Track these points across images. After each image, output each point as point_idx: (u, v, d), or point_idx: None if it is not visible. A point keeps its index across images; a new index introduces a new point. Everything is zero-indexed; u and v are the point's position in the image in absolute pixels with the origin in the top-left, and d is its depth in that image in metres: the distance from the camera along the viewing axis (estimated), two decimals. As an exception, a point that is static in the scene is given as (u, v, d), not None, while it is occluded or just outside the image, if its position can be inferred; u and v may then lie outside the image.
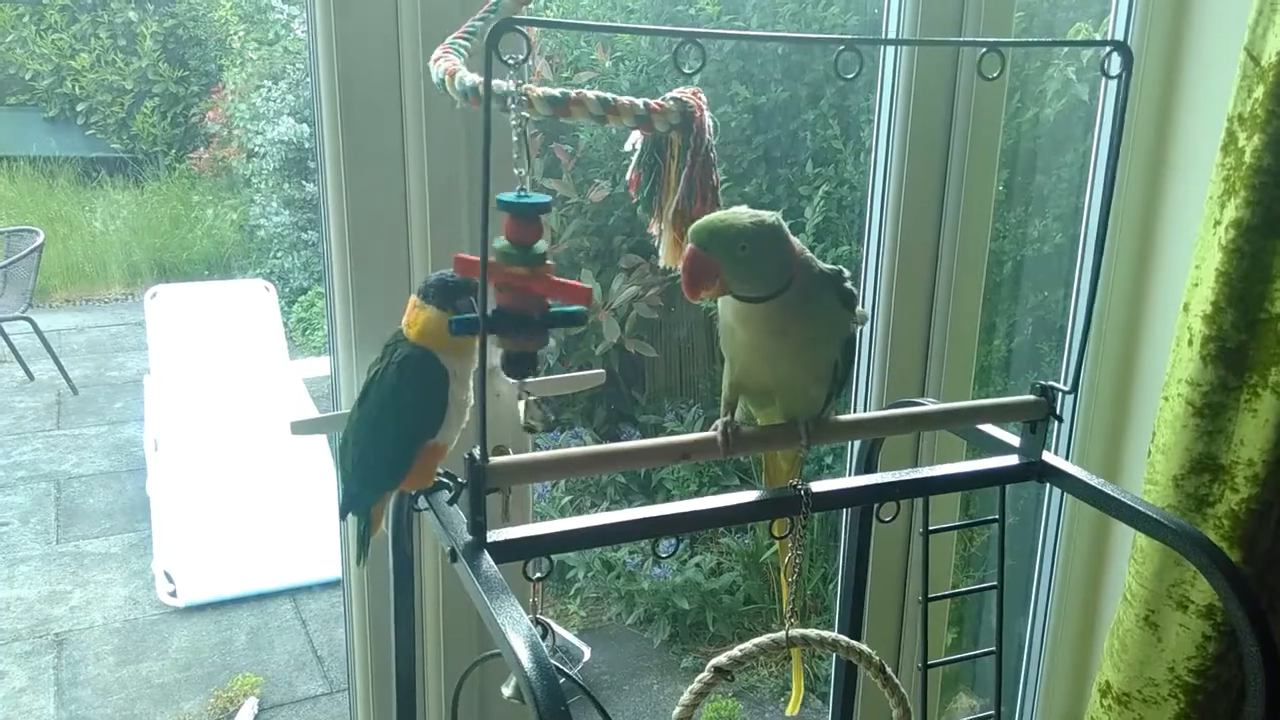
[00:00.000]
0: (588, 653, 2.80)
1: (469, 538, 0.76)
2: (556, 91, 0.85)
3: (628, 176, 1.02)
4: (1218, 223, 1.40)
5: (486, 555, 0.74)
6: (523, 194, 0.78)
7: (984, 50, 0.78)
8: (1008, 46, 0.79)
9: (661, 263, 0.97)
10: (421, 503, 0.86)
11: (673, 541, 0.86)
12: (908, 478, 0.89)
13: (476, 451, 0.74)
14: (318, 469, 4.08)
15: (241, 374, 4.57)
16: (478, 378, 0.76)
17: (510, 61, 0.70)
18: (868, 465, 1.03)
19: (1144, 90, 1.60)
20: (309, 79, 1.15)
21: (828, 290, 0.88)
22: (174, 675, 3.16)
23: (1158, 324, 1.67)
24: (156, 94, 7.57)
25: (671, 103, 0.91)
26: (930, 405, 0.92)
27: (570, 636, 2.74)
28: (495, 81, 0.82)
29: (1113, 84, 1.62)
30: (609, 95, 0.87)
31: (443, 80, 0.87)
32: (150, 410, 4.44)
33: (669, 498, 3.33)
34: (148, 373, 4.73)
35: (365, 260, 1.19)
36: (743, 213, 0.84)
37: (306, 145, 5.48)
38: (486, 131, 0.64)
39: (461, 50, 0.91)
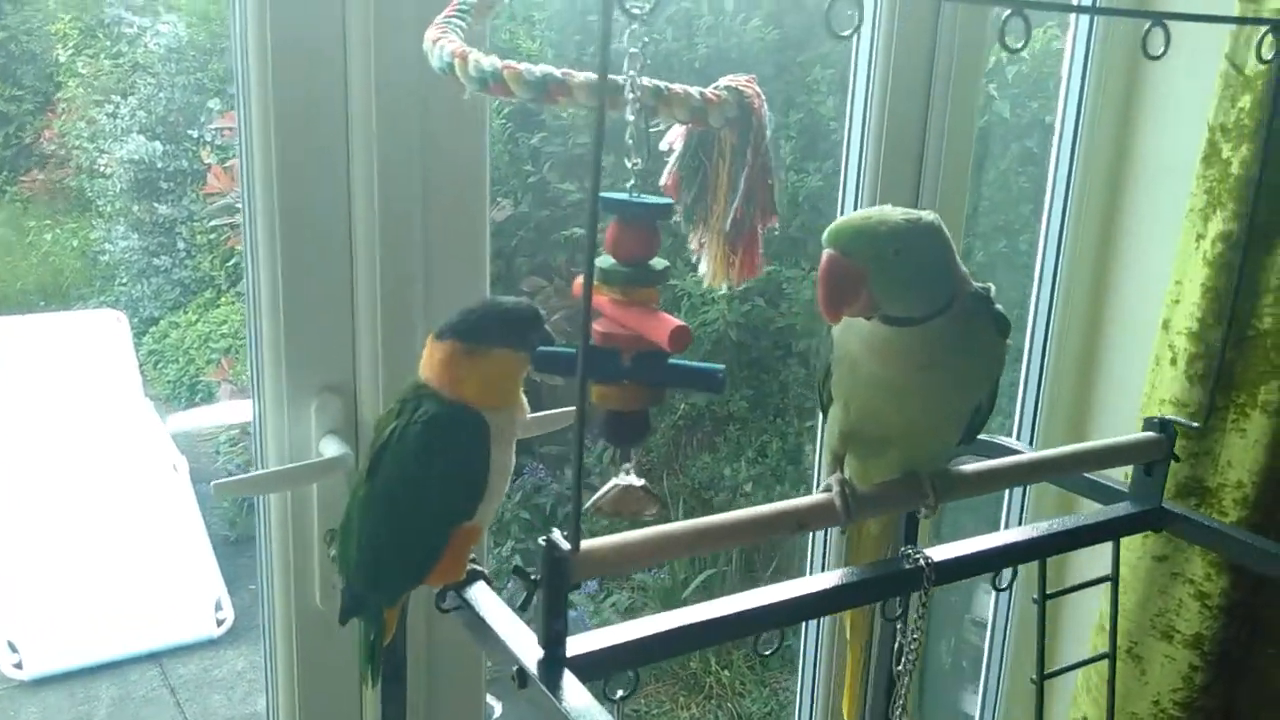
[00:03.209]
0: (499, 708, 2.59)
1: (541, 652, 0.59)
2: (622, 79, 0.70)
3: (663, 180, 0.88)
4: (1201, 236, 1.34)
5: (569, 675, 0.57)
6: (636, 194, 0.63)
7: (1149, 25, 0.68)
8: (1175, 20, 0.69)
9: (706, 281, 0.82)
10: (450, 599, 0.68)
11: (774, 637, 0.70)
12: (1027, 538, 0.77)
13: (556, 535, 0.57)
14: (180, 518, 3.73)
15: (92, 415, 4.17)
16: (573, 432, 0.59)
17: (636, 11, 0.55)
18: (908, 520, 0.89)
19: (1105, 101, 1.55)
20: (235, 77, 0.96)
21: (983, 313, 0.75)
22: (23, 758, 2.81)
23: (1119, 342, 1.62)
24: (-16, 112, 6.96)
25: (727, 92, 0.76)
26: (1034, 452, 0.80)
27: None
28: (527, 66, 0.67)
29: (1072, 96, 1.57)
30: (662, 83, 0.73)
31: (450, 64, 0.71)
32: (-16, 458, 3.99)
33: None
34: (-20, 416, 4.26)
35: (301, 291, 1.01)
36: (891, 210, 0.71)
37: (159, 165, 5.10)
38: (600, 121, 0.49)
39: (459, 29, 0.74)
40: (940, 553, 0.75)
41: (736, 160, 0.79)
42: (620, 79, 0.69)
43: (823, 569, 1.48)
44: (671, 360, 0.70)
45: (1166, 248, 1.42)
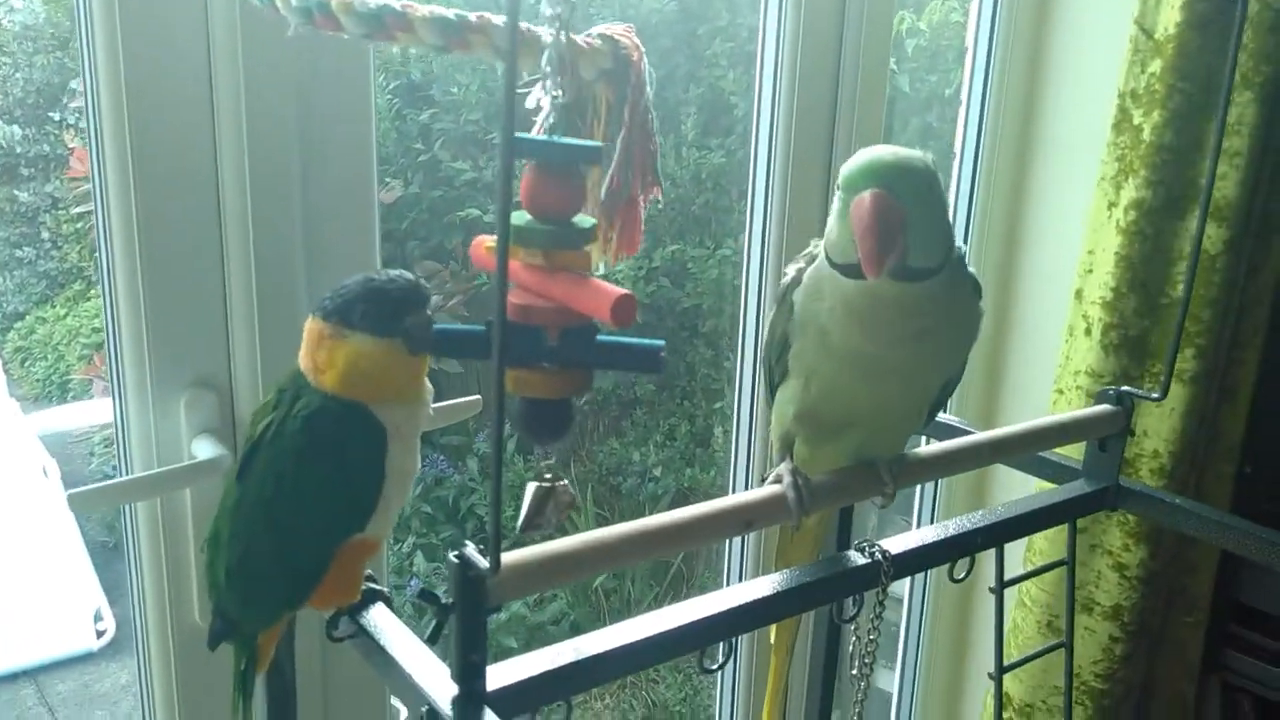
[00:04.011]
0: (404, 712, 2.48)
1: (456, 688, 0.50)
2: (450, 13, 0.61)
3: None
4: (1113, 204, 1.33)
5: (491, 716, 0.49)
6: (553, 136, 0.54)
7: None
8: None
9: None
10: (344, 625, 0.58)
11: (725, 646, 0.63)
12: (986, 524, 0.72)
13: (470, 551, 0.48)
14: (53, 525, 3.49)
15: (-51, 418, 3.88)
16: (490, 427, 0.49)
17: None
18: (842, 514, 0.82)
19: (1011, 70, 1.53)
20: (77, 35, 0.84)
21: (964, 274, 0.68)
22: (-118, 792, 2.59)
23: (1032, 314, 1.60)
24: None
25: (600, 40, 0.67)
26: (986, 431, 0.74)
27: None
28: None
29: (979, 66, 1.54)
30: (524, 24, 0.63)
31: None
32: None
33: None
34: None
35: (162, 270, 0.89)
36: (896, 148, 0.63)
37: (19, 150, 4.77)
38: (512, 42, 0.40)
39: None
40: (896, 544, 0.69)
41: (613, 120, 0.70)
42: (473, 17, 0.60)
43: (742, 554, 1.43)
44: (601, 337, 0.61)
45: (1078, 217, 1.41)
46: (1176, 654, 1.46)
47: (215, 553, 0.63)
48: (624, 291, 0.56)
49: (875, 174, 0.63)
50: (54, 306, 5.22)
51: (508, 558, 0.51)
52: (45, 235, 5.13)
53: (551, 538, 0.59)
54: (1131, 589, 1.38)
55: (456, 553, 0.49)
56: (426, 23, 0.60)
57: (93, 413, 3.89)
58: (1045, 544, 1.42)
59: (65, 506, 0.83)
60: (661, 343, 0.61)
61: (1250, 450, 1.39)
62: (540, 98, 0.74)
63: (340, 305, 0.59)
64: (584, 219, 0.63)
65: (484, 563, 0.48)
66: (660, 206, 0.76)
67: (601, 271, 0.70)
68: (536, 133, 0.68)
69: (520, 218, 0.61)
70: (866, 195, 0.62)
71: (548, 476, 0.63)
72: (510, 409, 0.60)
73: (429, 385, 0.63)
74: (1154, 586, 1.39)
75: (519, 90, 0.68)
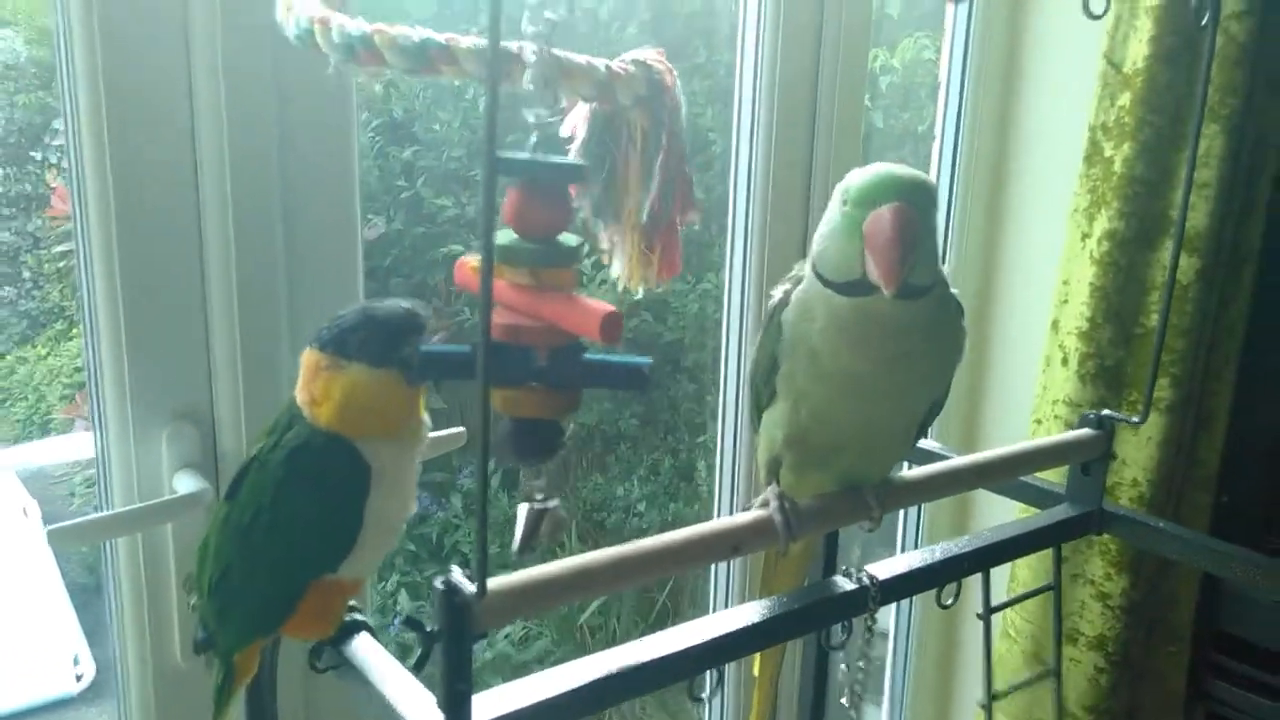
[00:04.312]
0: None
1: (442, 718, 0.50)
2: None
3: None
4: (1086, 235, 1.35)
5: None
6: (540, 155, 0.55)
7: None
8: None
9: (622, 284, 0.73)
10: (327, 656, 0.58)
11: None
12: (973, 549, 0.72)
13: (457, 575, 0.48)
14: (32, 566, 3.45)
15: (-72, 460, 3.83)
16: (477, 452, 0.49)
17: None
18: (828, 540, 0.83)
19: (983, 105, 1.56)
20: (58, 71, 0.86)
21: (949, 294, 0.69)
22: None
23: (1008, 344, 1.62)
24: None
25: (633, 66, 0.68)
26: (969, 456, 0.75)
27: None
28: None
29: (952, 102, 1.57)
30: (560, 52, 0.64)
31: (309, 30, 0.61)
32: None
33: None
34: None
35: (143, 303, 0.90)
36: (902, 166, 0.64)
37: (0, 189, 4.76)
38: (494, 59, 0.41)
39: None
40: (883, 569, 0.70)
41: (650, 145, 0.71)
42: (513, 46, 0.61)
43: (728, 585, 1.43)
44: (588, 355, 0.61)
45: (1052, 248, 1.43)
46: (1159, 684, 1.46)
47: (203, 561, 0.62)
48: (611, 308, 0.57)
49: (896, 189, 0.64)
50: (35, 346, 5.18)
51: (494, 583, 0.51)
52: (26, 275, 5.11)
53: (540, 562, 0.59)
54: (1115, 619, 1.38)
55: (442, 578, 0.49)
56: (471, 54, 0.60)
57: (72, 447, 3.83)
58: (1028, 574, 1.42)
59: (45, 544, 0.82)
60: (647, 360, 0.62)
61: (1226, 480, 1.40)
62: (574, 125, 0.75)
63: (336, 335, 0.59)
64: (569, 237, 0.64)
65: (470, 588, 0.48)
66: (696, 228, 0.77)
67: (640, 294, 0.70)
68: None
69: (506, 236, 0.62)
70: (888, 210, 0.63)
71: (539, 497, 0.63)
72: (497, 430, 0.61)
73: (426, 419, 0.63)
74: (1137, 616, 1.39)
75: (550, 120, 0.69)
